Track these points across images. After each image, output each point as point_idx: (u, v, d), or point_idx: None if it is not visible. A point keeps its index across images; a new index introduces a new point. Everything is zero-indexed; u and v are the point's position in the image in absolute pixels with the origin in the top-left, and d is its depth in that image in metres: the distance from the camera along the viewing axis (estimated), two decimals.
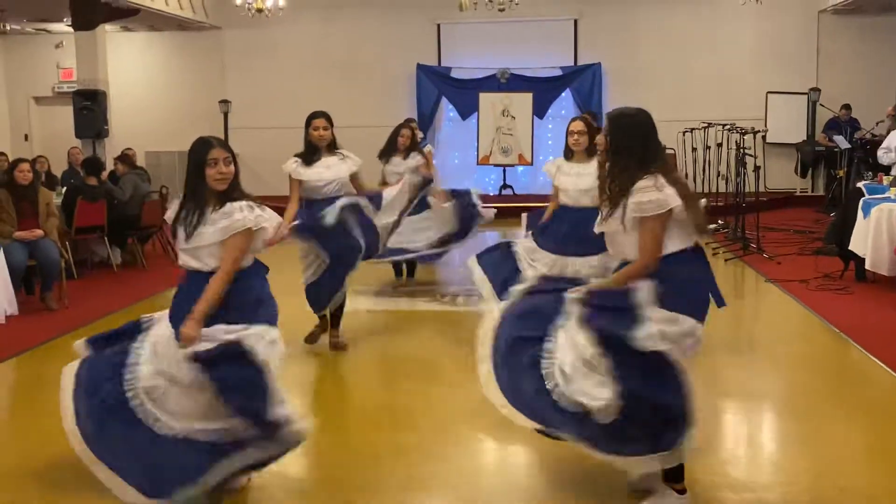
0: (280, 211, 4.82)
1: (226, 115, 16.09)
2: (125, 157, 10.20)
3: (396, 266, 8.65)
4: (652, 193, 3.55)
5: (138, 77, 16.16)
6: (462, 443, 4.63)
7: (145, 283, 9.14)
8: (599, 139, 3.82)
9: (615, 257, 3.78)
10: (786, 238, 11.25)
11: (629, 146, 3.63)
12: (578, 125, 5.80)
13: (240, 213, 3.74)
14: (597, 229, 3.78)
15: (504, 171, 15.46)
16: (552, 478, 4.07)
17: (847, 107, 14.44)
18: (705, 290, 3.67)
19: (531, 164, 15.32)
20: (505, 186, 15.36)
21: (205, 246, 3.75)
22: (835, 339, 6.59)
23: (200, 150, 3.79)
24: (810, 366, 6.10)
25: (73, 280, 8.66)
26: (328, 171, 6.22)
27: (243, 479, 3.92)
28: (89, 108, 12.22)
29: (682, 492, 3.64)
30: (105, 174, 9.79)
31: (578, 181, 5.69)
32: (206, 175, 3.75)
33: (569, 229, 5.63)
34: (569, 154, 5.84)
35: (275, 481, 4.06)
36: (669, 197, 3.58)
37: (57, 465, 4.24)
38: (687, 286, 3.58)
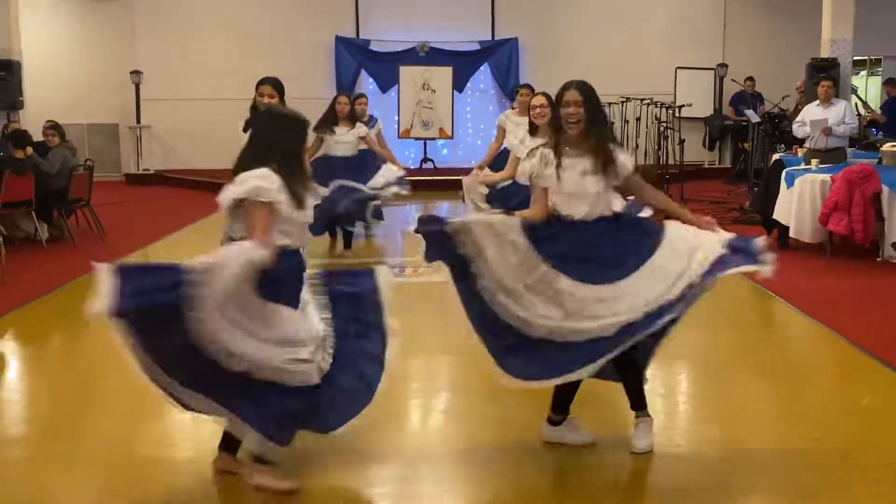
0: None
1: (137, 85, 15.64)
2: (58, 128, 9.86)
3: (331, 230, 8.68)
4: (624, 153, 4.05)
5: (45, 47, 15.47)
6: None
7: (77, 259, 8.89)
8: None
9: (589, 215, 3.92)
10: (703, 209, 11.71)
11: (601, 113, 4.04)
12: (540, 99, 5.99)
13: None
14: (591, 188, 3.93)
15: (425, 144, 15.57)
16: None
17: (751, 79, 15.08)
18: None
19: (451, 137, 15.50)
20: (426, 160, 15.48)
21: None
22: (771, 302, 7.01)
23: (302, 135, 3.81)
24: (753, 327, 6.49)
25: None
26: None
27: None
28: (3, 78, 11.76)
29: (648, 415, 4.01)
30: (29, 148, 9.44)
31: None
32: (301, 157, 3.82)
33: None
34: (533, 129, 6.01)
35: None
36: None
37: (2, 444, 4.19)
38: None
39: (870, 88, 17.09)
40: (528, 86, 8.66)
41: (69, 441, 4.27)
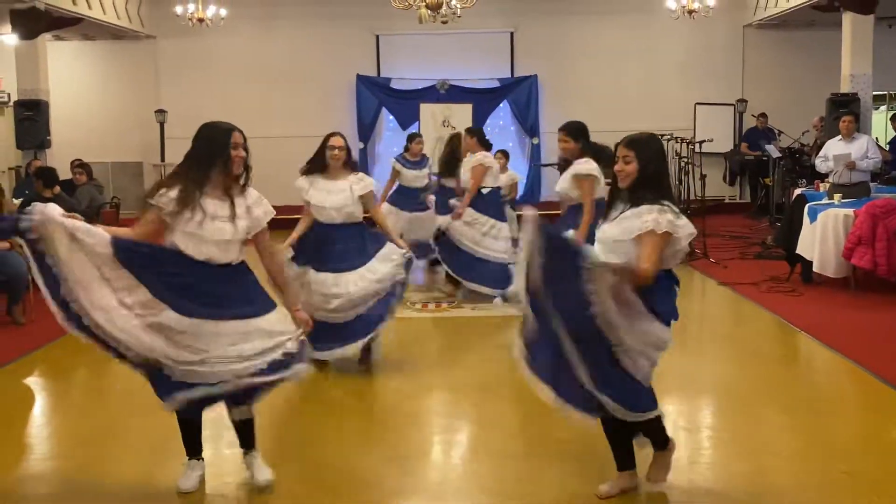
0: None
1: (162, 124, 15.86)
2: (85, 166, 10.01)
3: None
4: None
5: (71, 87, 15.73)
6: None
7: None
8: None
9: None
10: (724, 243, 11.69)
11: None
12: (339, 140, 5.83)
13: None
14: None
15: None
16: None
17: (764, 115, 15.08)
18: None
19: None
20: None
21: None
22: (796, 336, 6.98)
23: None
24: (778, 361, 6.45)
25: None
26: None
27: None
28: (31, 118, 11.96)
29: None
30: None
31: (328, 198, 5.80)
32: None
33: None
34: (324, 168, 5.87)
35: (299, 485, 4.12)
36: None
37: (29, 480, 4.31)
38: None
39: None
40: (474, 130, 9.15)
41: (94, 477, 4.31)
